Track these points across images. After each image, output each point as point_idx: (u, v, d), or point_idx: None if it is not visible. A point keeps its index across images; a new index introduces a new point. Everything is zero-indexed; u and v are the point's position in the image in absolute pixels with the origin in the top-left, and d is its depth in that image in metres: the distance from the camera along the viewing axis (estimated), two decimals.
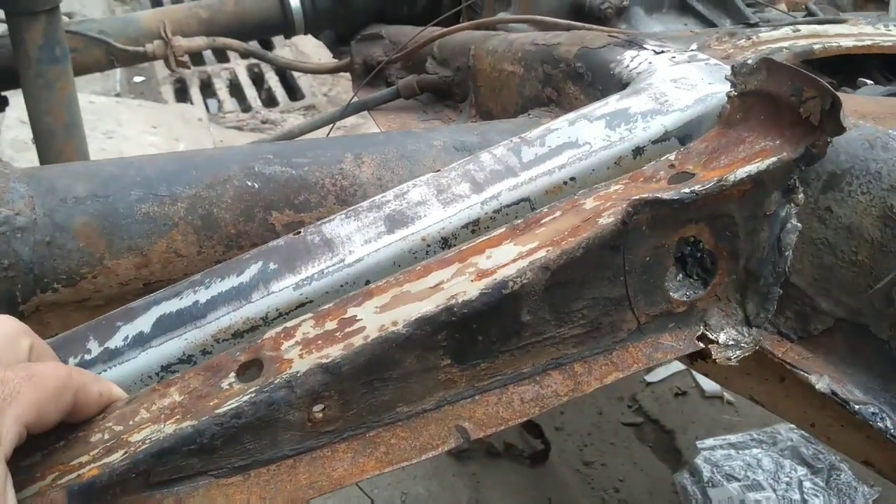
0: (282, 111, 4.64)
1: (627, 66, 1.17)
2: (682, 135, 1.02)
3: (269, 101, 4.90)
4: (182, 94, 4.75)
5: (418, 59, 1.71)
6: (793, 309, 1.04)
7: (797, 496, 2.05)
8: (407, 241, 0.94)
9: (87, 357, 0.90)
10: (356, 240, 0.96)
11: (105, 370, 0.87)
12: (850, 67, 1.39)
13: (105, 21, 2.03)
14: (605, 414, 2.39)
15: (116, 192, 1.00)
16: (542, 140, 1.03)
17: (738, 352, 0.91)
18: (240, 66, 5.13)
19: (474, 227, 0.96)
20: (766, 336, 1.06)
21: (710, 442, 2.22)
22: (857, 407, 0.98)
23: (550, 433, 2.24)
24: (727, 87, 1.05)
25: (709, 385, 2.42)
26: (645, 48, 1.18)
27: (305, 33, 2.11)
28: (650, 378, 2.50)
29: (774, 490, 2.06)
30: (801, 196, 0.86)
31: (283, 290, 0.91)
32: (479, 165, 1.02)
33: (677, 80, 1.08)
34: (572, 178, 0.98)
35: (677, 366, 2.50)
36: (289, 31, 2.10)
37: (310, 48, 4.65)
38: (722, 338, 0.89)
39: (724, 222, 0.84)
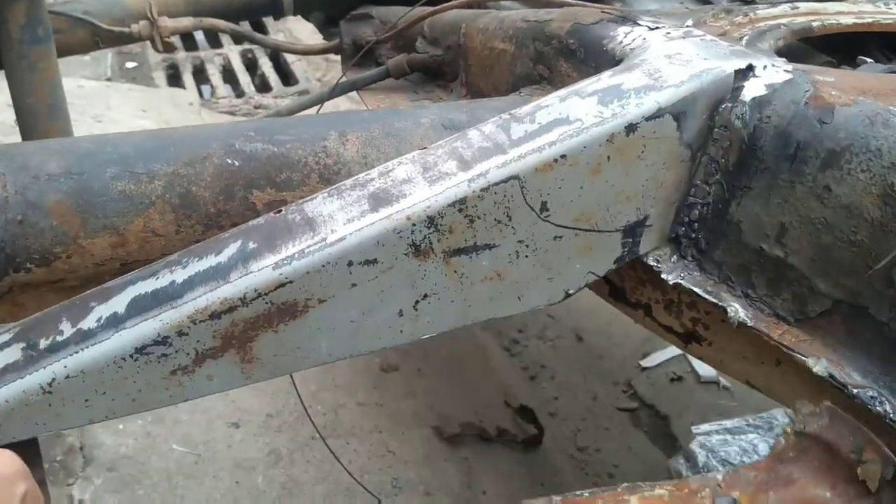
0: (275, 96, 4.59)
1: (621, 42, 1.14)
2: (677, 111, 0.99)
3: (263, 86, 4.84)
4: (175, 80, 4.68)
5: (409, 38, 1.67)
6: (790, 290, 1.02)
7: None
8: (391, 220, 0.91)
9: (59, 338, 0.86)
10: (339, 218, 0.92)
11: (77, 351, 0.84)
12: (849, 45, 1.36)
13: (90, 1, 1.99)
14: (600, 399, 2.36)
15: (91, 169, 0.97)
16: (532, 117, 1.00)
17: None
18: (233, 52, 5.06)
19: (461, 206, 0.93)
20: (762, 318, 1.04)
21: (705, 427, 2.18)
22: (855, 391, 0.95)
23: (544, 418, 2.21)
24: (723, 62, 1.02)
25: (704, 370, 2.39)
26: (639, 24, 1.15)
27: (294, 14, 2.07)
28: (646, 363, 2.48)
29: None
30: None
31: (263, 269, 0.87)
32: (466, 143, 0.99)
33: (672, 55, 1.05)
34: (563, 156, 0.95)
35: (673, 351, 2.47)
36: (277, 12, 2.06)
37: (305, 34, 4.59)
38: None
39: None
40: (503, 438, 2.07)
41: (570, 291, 1.06)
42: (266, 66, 5.01)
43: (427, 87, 1.58)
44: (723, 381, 2.38)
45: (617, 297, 1.20)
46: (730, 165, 1.03)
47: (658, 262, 1.08)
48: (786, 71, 1.01)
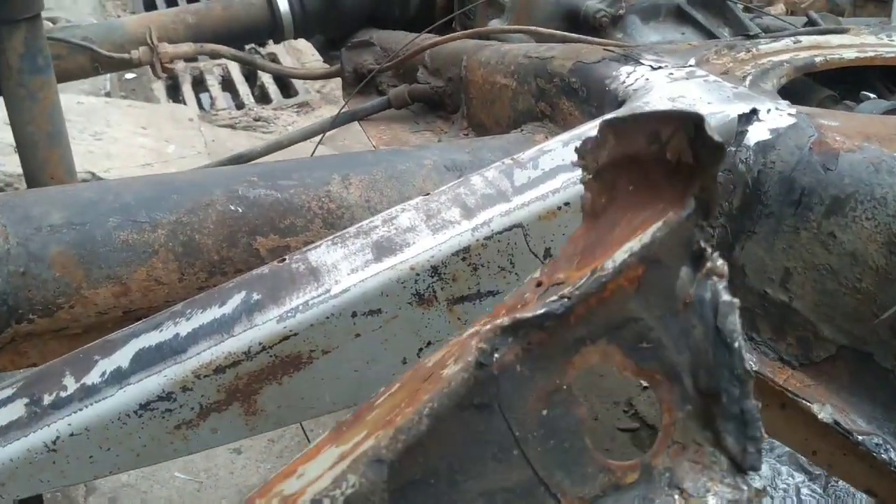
0: (275, 108, 4.59)
1: (623, 82, 1.13)
2: None
3: (263, 97, 4.84)
4: (174, 91, 4.69)
5: (410, 67, 1.67)
6: (794, 335, 1.02)
7: (795, 503, 2.02)
8: (395, 271, 0.91)
9: (63, 394, 0.86)
10: (342, 268, 0.92)
11: (81, 408, 0.84)
12: (852, 78, 1.36)
13: (89, 27, 1.99)
14: (601, 419, 2.36)
15: (94, 219, 0.97)
16: (535, 162, 1.00)
17: None
18: (232, 63, 5.07)
19: (465, 255, 0.93)
20: (766, 362, 1.04)
21: None
22: (860, 437, 0.95)
23: None
24: (727, 107, 1.02)
25: None
26: (641, 63, 1.15)
27: (295, 38, 2.07)
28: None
29: (772, 497, 2.04)
30: (719, 263, 0.59)
31: (267, 322, 0.87)
32: (469, 189, 0.99)
33: (675, 98, 1.05)
34: (567, 203, 0.95)
35: None
36: (278, 35, 2.06)
37: (303, 44, 4.60)
38: (712, 502, 0.58)
39: (633, 332, 0.59)
40: None
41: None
42: (266, 77, 5.01)
43: (428, 118, 1.58)
44: None
45: None
46: (734, 209, 1.03)
47: None
48: (790, 115, 1.01)
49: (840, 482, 2.13)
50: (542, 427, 0.55)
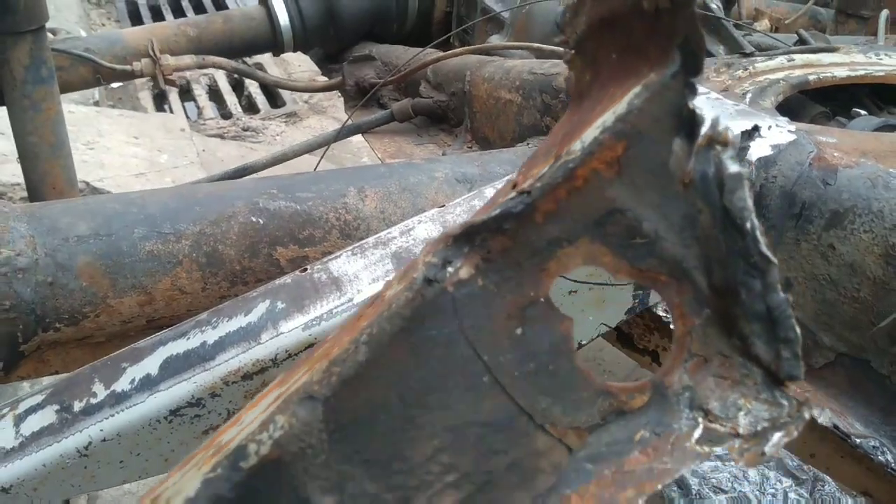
0: (263, 118, 4.60)
1: None
2: None
3: (250, 106, 4.85)
4: (160, 100, 4.69)
5: (411, 81, 1.71)
6: None
7: None
8: None
9: (93, 401, 0.88)
10: (364, 278, 0.95)
11: (113, 414, 0.86)
12: (842, 94, 1.41)
13: (91, 39, 2.01)
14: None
15: (119, 230, 0.99)
16: None
17: (781, 434, 0.47)
18: (219, 73, 5.08)
19: None
20: None
21: None
22: (857, 440, 0.99)
23: None
24: (731, 122, 1.07)
25: None
26: None
27: (294, 51, 2.10)
28: None
29: (760, 501, 2.09)
30: (721, 127, 0.48)
31: (293, 330, 0.90)
32: (483, 201, 1.02)
33: None
34: None
35: None
36: (277, 49, 2.09)
37: (292, 55, 4.62)
38: (744, 423, 0.47)
39: (621, 226, 0.48)
40: None
41: (583, 342, 1.09)
42: (253, 86, 5.02)
43: (431, 131, 1.62)
44: None
45: (624, 342, 1.24)
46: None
47: (667, 312, 1.12)
48: (790, 131, 1.06)
49: (826, 486, 2.19)
50: (516, 348, 0.46)
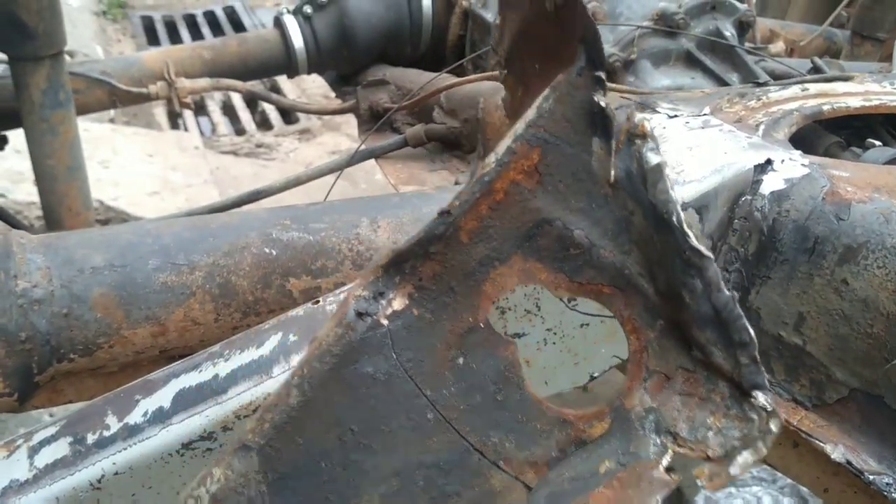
0: (276, 135, 4.64)
1: None
2: (699, 205, 1.03)
3: (263, 122, 4.89)
4: (175, 116, 4.73)
5: (425, 106, 1.72)
6: (808, 377, 1.05)
7: None
8: None
9: (106, 433, 0.89)
10: None
11: (126, 448, 0.87)
12: (856, 123, 1.41)
13: (108, 62, 2.03)
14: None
15: (134, 261, 1.00)
16: None
17: (749, 452, 0.43)
18: None
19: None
20: (780, 402, 1.07)
21: None
22: (871, 477, 0.99)
23: None
24: (743, 156, 1.07)
25: None
26: (657, 111, 1.19)
27: (309, 73, 2.12)
28: None
29: None
30: (637, 119, 0.46)
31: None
32: None
33: (692, 148, 1.09)
34: None
35: None
36: (292, 71, 2.11)
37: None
38: (714, 444, 0.42)
39: (551, 238, 0.45)
40: None
41: (595, 374, 1.09)
42: (266, 103, 5.06)
43: (444, 157, 1.62)
44: None
45: None
46: (749, 255, 1.07)
47: None
48: (803, 165, 1.06)
49: None
50: (460, 380, 0.43)
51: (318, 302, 0.99)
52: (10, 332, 0.94)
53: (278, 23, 2.09)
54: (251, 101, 5.11)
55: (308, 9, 2.06)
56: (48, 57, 1.73)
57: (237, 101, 5.05)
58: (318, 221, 1.10)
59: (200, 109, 4.93)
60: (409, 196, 1.21)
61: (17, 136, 2.01)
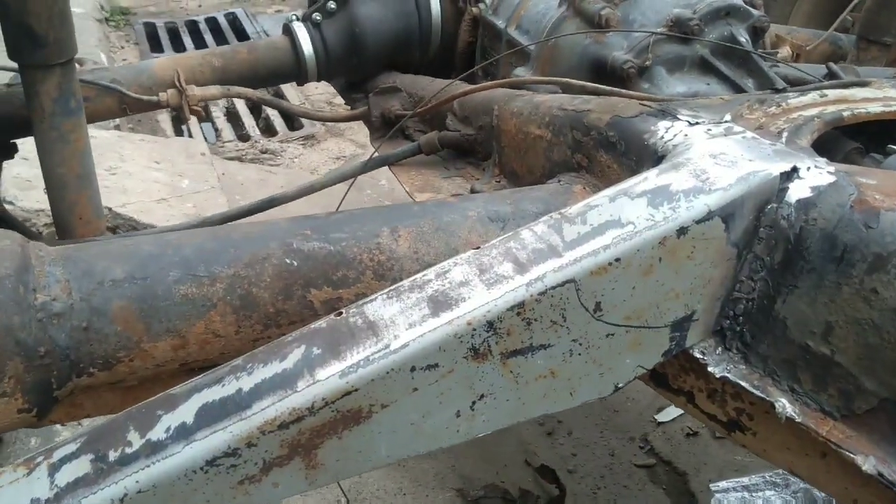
0: (281, 141, 4.63)
1: (662, 137, 1.17)
2: (725, 213, 1.02)
3: (267, 129, 4.88)
4: (178, 123, 4.72)
5: (438, 113, 1.71)
6: (836, 387, 1.04)
7: None
8: (453, 326, 0.93)
9: (128, 450, 0.87)
10: (400, 323, 0.94)
11: (148, 465, 0.85)
12: (874, 128, 1.40)
13: (117, 70, 2.02)
14: (618, 455, 2.37)
15: (154, 273, 0.99)
16: (584, 217, 1.03)
17: None
18: None
19: (519, 310, 0.95)
20: (808, 413, 1.06)
21: (723, 484, 2.21)
22: None
23: (563, 476, 2.22)
24: (769, 164, 1.06)
25: None
26: (679, 119, 1.18)
27: (319, 80, 2.11)
28: (661, 417, 2.49)
29: None
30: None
31: (329, 377, 0.89)
32: (520, 244, 1.01)
33: (716, 155, 1.08)
34: (617, 259, 0.97)
35: None
36: (301, 78, 2.10)
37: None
38: None
39: None
40: (526, 500, 2.07)
41: (619, 385, 1.08)
42: (270, 109, 5.05)
43: (458, 164, 1.61)
44: None
45: (659, 382, 1.22)
46: (775, 264, 1.06)
47: (704, 354, 1.10)
48: (829, 173, 1.04)
49: None
50: None
51: (340, 314, 0.98)
52: (30, 347, 0.92)
53: (288, 30, 2.08)
54: (255, 107, 5.10)
55: (317, 16, 2.05)
56: (59, 65, 1.71)
57: (241, 107, 5.04)
58: (338, 231, 1.09)
59: (204, 116, 4.92)
60: (428, 205, 1.19)
61: (24, 144, 2.00)
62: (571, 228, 1.02)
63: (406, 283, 0.99)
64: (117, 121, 4.06)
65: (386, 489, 2.02)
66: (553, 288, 0.96)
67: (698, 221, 1.00)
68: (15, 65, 1.76)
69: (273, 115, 4.95)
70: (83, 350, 0.96)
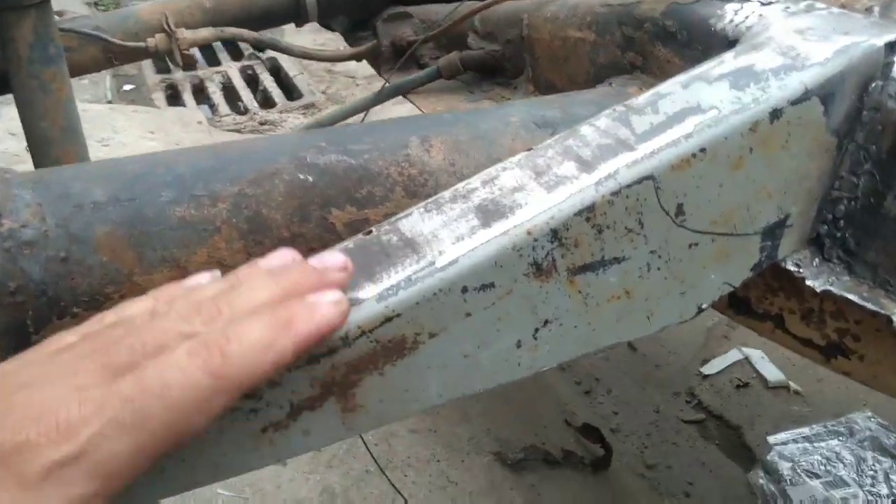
0: (280, 111, 4.45)
1: (732, 20, 1.00)
2: (824, 93, 0.85)
3: (266, 101, 4.71)
4: (174, 100, 4.55)
5: (454, 36, 1.53)
6: None
7: (885, 490, 1.87)
8: (509, 237, 0.76)
9: None
10: (444, 237, 0.77)
11: None
12: None
13: (101, 17, 1.85)
14: (663, 412, 2.21)
15: (144, 193, 0.82)
16: (655, 107, 0.86)
17: None
18: (232, 69, 4.93)
19: (589, 214, 0.78)
20: None
21: (782, 436, 2.04)
22: None
23: (606, 435, 2.07)
24: (870, 35, 0.88)
25: (772, 374, 2.25)
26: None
27: (319, 20, 1.93)
28: (707, 370, 2.33)
29: (860, 485, 1.89)
30: None
31: (365, 302, 0.72)
32: (581, 140, 0.84)
33: (803, 31, 0.91)
34: (702, 149, 0.81)
35: (735, 355, 2.32)
36: (301, 19, 1.92)
37: (303, 38, 4.47)
38: None
39: None
40: (570, 461, 1.92)
41: (703, 306, 0.91)
42: (268, 81, 4.89)
43: (484, 86, 1.44)
44: (793, 385, 2.23)
45: (738, 308, 1.06)
46: (882, 153, 0.89)
47: (799, 266, 0.94)
48: None
49: None
50: None
51: (370, 232, 0.81)
52: None
53: None
54: (251, 80, 4.92)
55: None
56: (33, 6, 1.55)
57: (237, 81, 4.86)
58: (358, 143, 0.92)
59: (200, 93, 4.74)
60: (461, 113, 1.03)
61: (12, 120, 1.83)
62: (642, 119, 0.85)
63: (446, 193, 0.82)
64: (109, 96, 3.89)
65: (418, 456, 1.86)
66: (628, 186, 0.79)
67: (793, 102, 0.83)
68: None
69: (271, 86, 4.77)
70: (63, 285, 0.79)
